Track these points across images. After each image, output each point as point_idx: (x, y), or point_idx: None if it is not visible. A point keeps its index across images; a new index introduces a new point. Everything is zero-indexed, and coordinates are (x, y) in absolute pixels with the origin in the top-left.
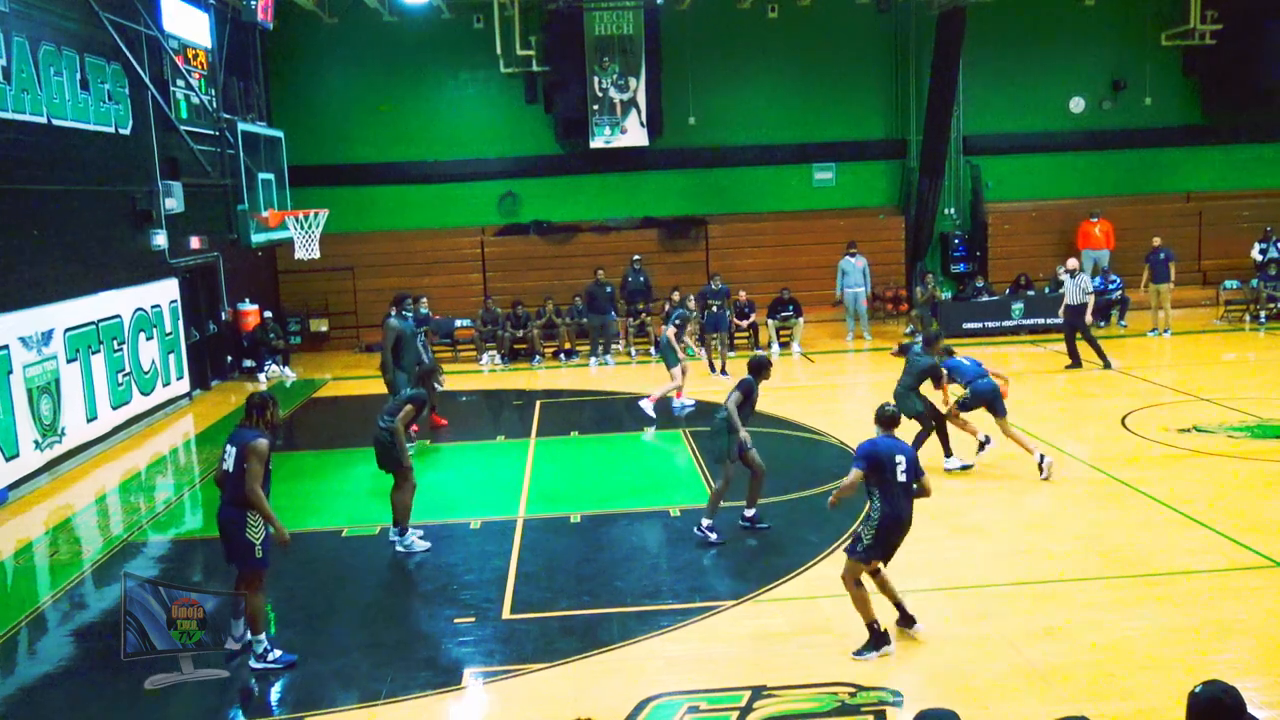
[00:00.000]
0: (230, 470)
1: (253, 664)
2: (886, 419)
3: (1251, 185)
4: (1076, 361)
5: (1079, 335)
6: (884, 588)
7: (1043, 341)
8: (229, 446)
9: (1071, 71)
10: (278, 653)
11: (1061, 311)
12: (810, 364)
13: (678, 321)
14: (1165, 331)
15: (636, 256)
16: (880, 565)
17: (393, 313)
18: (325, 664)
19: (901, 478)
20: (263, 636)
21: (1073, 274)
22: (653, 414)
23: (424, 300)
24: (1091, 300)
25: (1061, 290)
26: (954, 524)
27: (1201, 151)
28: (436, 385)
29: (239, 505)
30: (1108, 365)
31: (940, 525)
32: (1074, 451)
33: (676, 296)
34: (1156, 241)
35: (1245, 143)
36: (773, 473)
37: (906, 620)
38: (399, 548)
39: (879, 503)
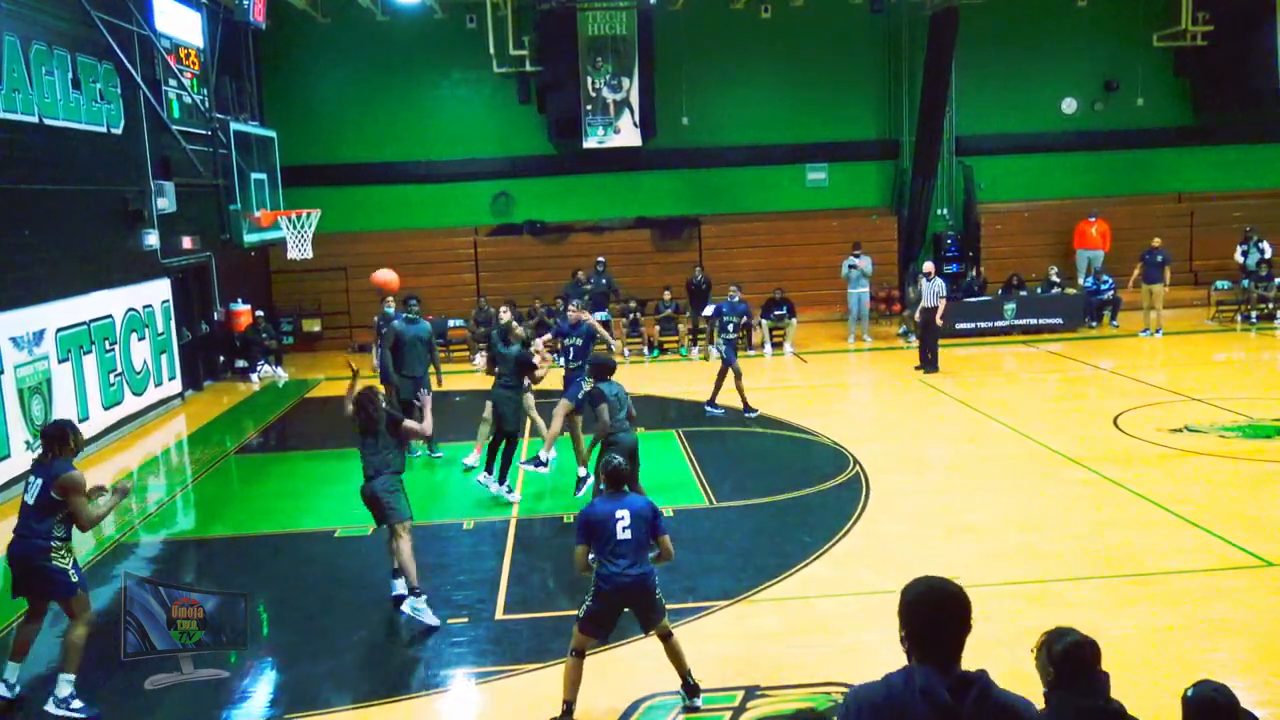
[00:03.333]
0: (32, 503)
1: (50, 708)
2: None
3: (1242, 186)
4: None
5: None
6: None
7: (1035, 342)
8: (34, 478)
9: (1063, 72)
10: (79, 703)
11: (918, 313)
12: (803, 364)
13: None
14: (1157, 332)
15: (600, 258)
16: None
17: (381, 314)
18: (318, 665)
19: (624, 535)
20: (72, 676)
21: (929, 276)
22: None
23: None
24: (943, 304)
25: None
26: (947, 524)
27: (1193, 152)
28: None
29: (44, 538)
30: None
31: (933, 525)
32: (1067, 451)
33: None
34: (1156, 242)
35: (1236, 143)
36: (765, 473)
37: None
38: None
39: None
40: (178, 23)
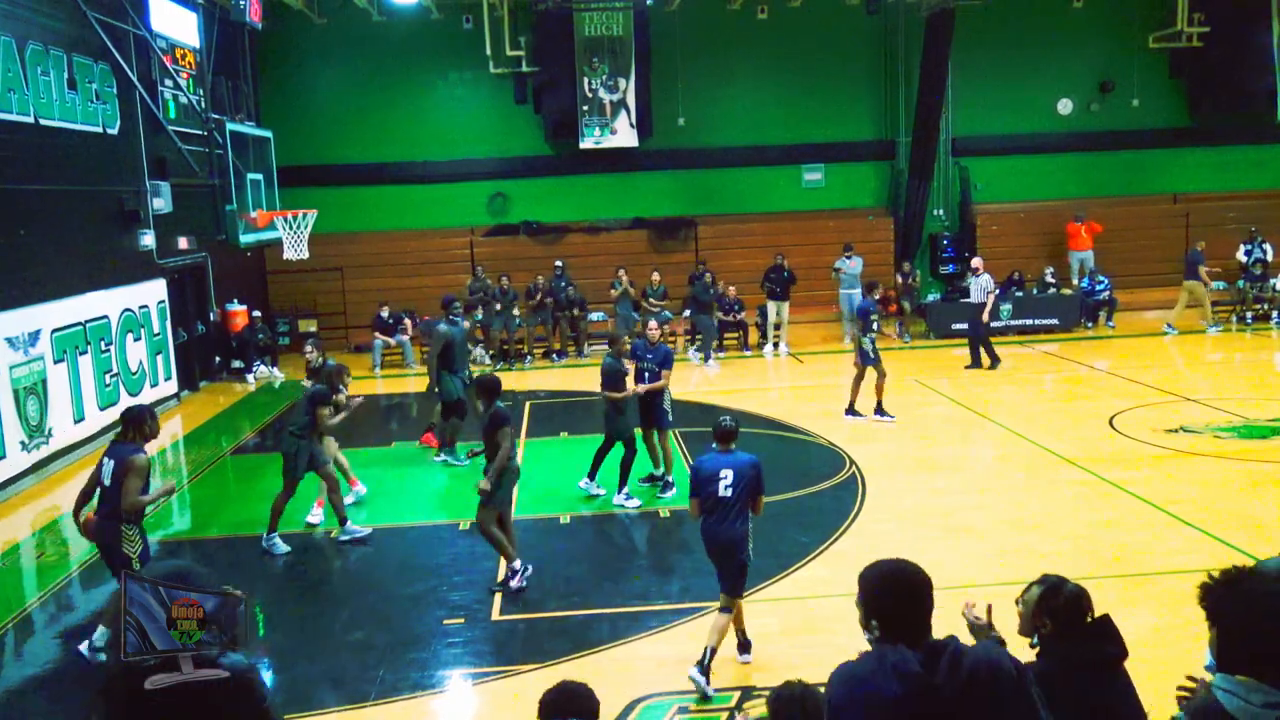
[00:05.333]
0: (107, 484)
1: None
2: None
3: (1238, 187)
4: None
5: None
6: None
7: (1031, 342)
8: (106, 459)
9: (1059, 73)
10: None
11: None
12: (799, 364)
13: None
14: (1170, 328)
15: (559, 263)
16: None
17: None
18: (315, 665)
19: (725, 493)
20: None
21: (976, 273)
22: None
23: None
24: (991, 300)
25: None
26: (944, 524)
27: (1188, 153)
28: (342, 386)
29: (115, 518)
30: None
31: (930, 526)
32: (1063, 452)
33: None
34: (1200, 246)
35: (1232, 144)
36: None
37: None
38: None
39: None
40: (174, 23)
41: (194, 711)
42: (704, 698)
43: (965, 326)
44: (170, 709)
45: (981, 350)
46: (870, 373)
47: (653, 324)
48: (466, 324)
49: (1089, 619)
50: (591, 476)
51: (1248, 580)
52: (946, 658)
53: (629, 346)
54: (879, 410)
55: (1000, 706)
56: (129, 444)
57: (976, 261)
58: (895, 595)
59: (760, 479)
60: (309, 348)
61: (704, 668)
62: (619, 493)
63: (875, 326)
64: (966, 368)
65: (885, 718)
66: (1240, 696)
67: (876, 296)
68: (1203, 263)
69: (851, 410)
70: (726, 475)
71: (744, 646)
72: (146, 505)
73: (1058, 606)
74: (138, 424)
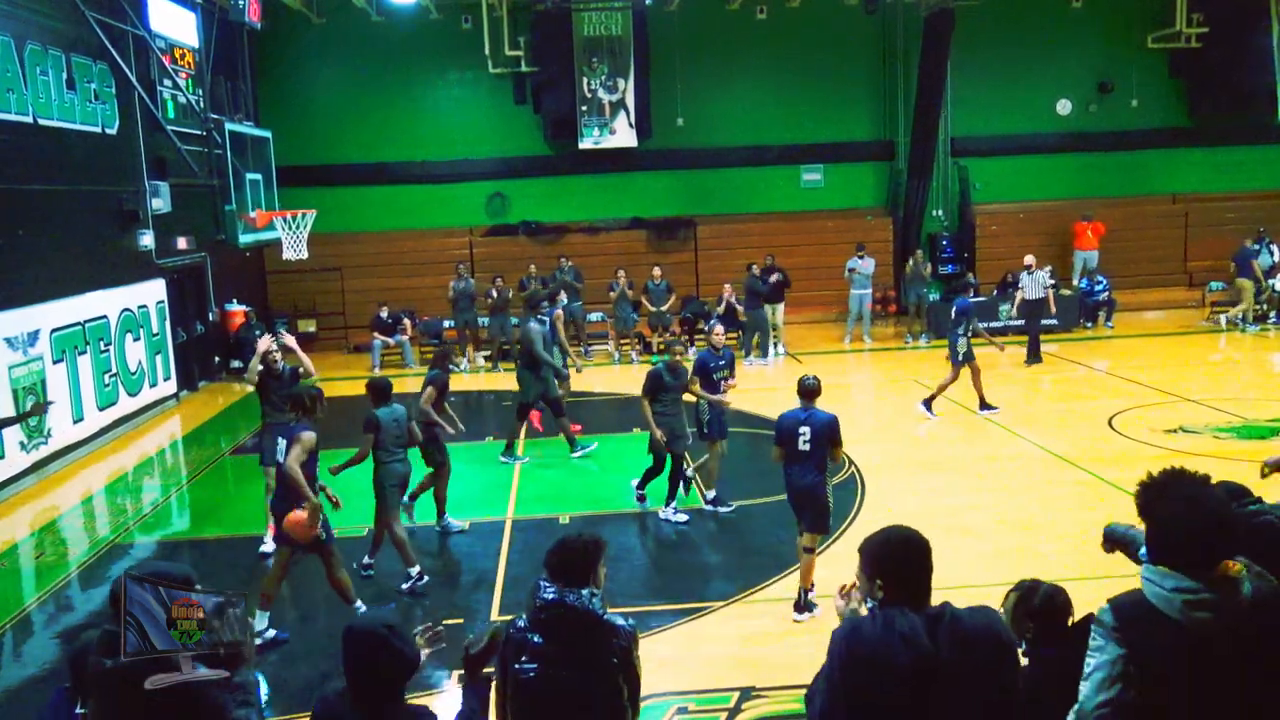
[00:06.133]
0: (282, 461)
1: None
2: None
3: (1237, 187)
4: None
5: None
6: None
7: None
8: (281, 439)
9: (1058, 73)
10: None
11: (1017, 306)
12: (798, 365)
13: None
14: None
15: (566, 261)
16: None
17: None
18: (314, 666)
19: (804, 446)
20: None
21: (1030, 270)
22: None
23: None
24: (1050, 295)
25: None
26: (943, 525)
27: (1187, 153)
28: (453, 366)
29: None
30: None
31: (929, 526)
32: (1062, 452)
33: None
34: (1249, 242)
35: (1231, 145)
36: (758, 474)
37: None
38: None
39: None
40: (173, 23)
41: (194, 711)
42: (805, 607)
43: (1022, 323)
44: (171, 709)
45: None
46: (948, 367)
47: (718, 328)
48: (560, 314)
49: (1071, 618)
50: (662, 495)
51: (1174, 484)
52: (946, 624)
53: (681, 356)
54: (928, 402)
55: (994, 671)
56: (300, 423)
57: (1030, 259)
58: (898, 556)
59: (834, 433)
60: (276, 348)
61: (800, 605)
62: (667, 505)
63: (970, 328)
64: (1026, 363)
65: (889, 683)
66: (1157, 583)
67: (971, 296)
68: (1255, 258)
69: (985, 405)
70: (805, 432)
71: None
72: (302, 487)
73: (1035, 609)
74: (312, 404)
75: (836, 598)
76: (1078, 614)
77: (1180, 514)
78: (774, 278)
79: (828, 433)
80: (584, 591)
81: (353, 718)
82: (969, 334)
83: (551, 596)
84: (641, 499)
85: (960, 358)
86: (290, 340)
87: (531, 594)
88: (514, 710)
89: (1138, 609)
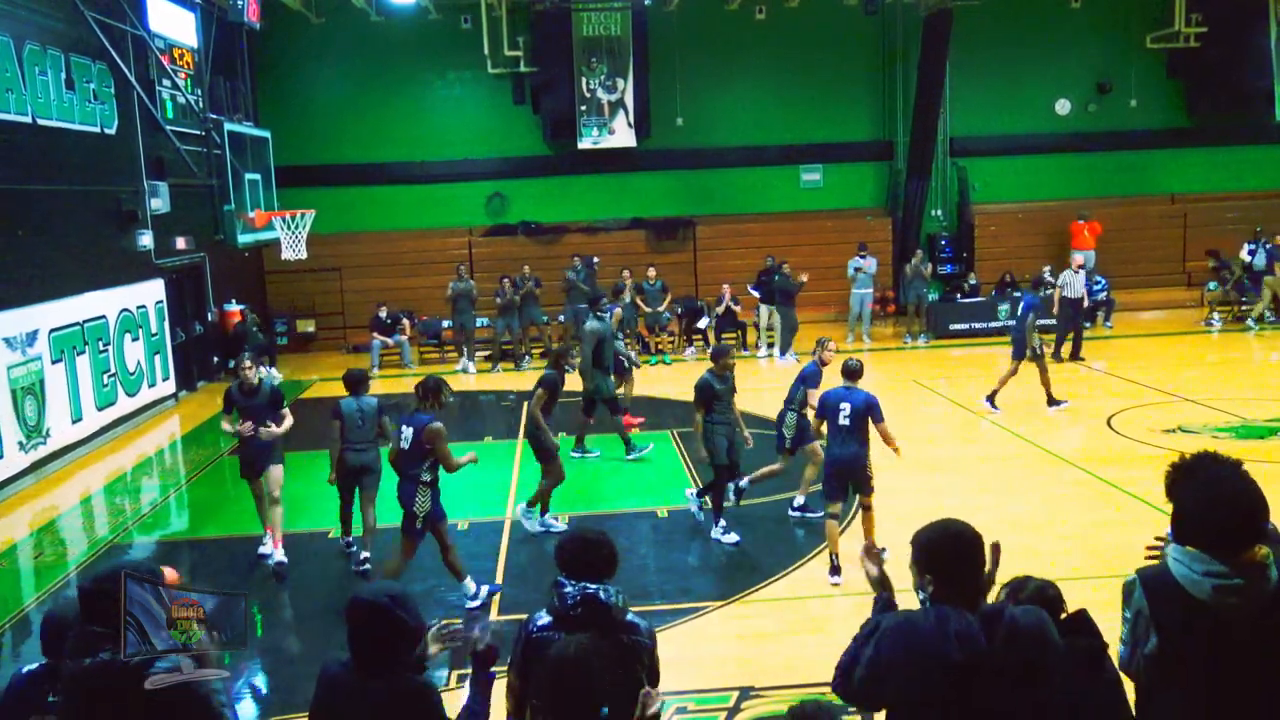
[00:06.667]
0: (404, 449)
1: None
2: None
3: (1235, 187)
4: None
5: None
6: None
7: None
8: (404, 426)
9: (1057, 74)
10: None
11: (1058, 305)
12: (798, 365)
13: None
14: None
15: (576, 258)
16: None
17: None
18: (311, 666)
19: (844, 421)
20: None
21: (1076, 269)
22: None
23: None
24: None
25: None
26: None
27: (1186, 153)
28: (569, 367)
29: (411, 480)
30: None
31: None
32: (1060, 452)
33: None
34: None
35: (1229, 145)
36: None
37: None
38: (529, 523)
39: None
40: (172, 22)
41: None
42: (835, 571)
43: (965, 327)
44: (170, 709)
45: (1066, 342)
46: (1010, 363)
47: (831, 344)
48: (619, 310)
49: (1063, 612)
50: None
51: (1203, 467)
52: (1005, 628)
53: (733, 364)
54: (990, 398)
55: (1046, 676)
56: (425, 413)
57: (1079, 257)
58: (948, 552)
59: (874, 410)
60: (247, 362)
61: (834, 569)
62: (716, 525)
63: (1035, 324)
64: (1070, 358)
65: (939, 678)
66: (1186, 565)
67: (1042, 294)
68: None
69: (1053, 401)
70: (845, 408)
71: (838, 570)
72: (460, 468)
73: (1024, 601)
74: (435, 393)
75: (865, 561)
76: (1075, 613)
77: (1204, 495)
78: (775, 278)
79: (866, 409)
80: (610, 588)
81: (353, 687)
82: (1035, 329)
83: (579, 593)
84: (702, 509)
85: (1026, 353)
86: (275, 430)
87: (555, 591)
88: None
89: (1166, 587)
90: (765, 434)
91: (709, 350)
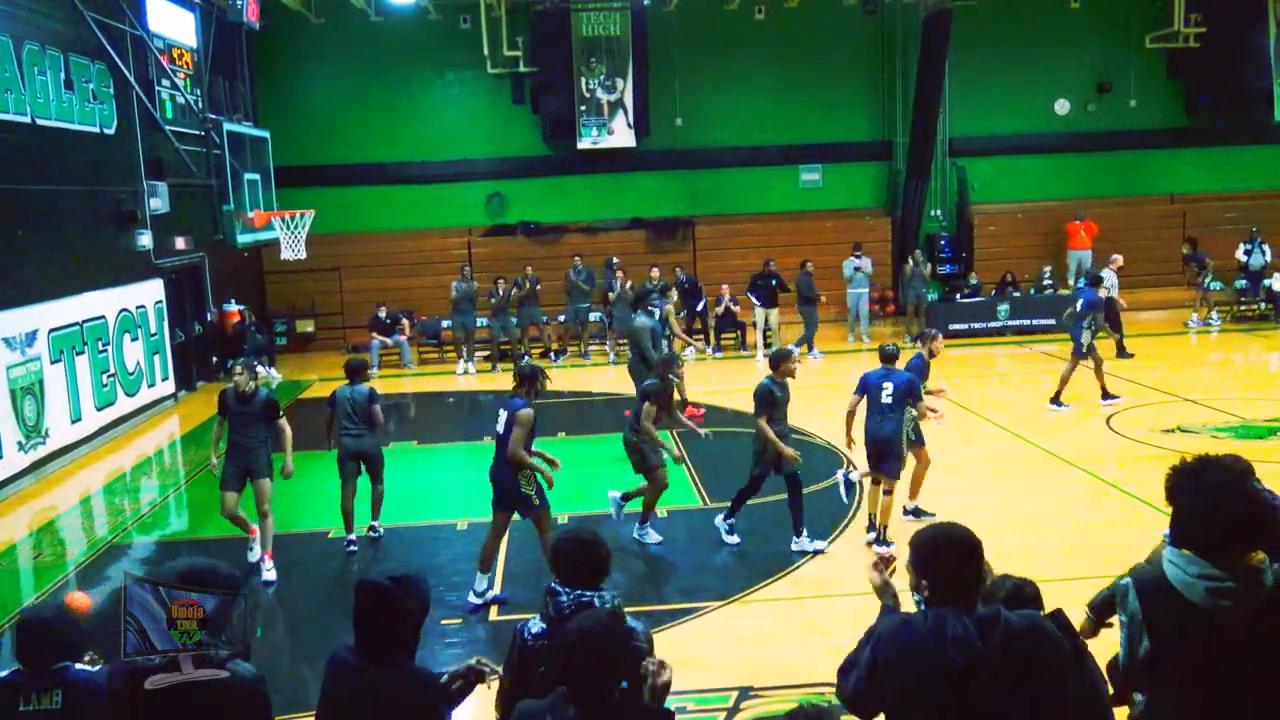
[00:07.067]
0: (501, 432)
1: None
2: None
3: (1235, 188)
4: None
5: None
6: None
7: (1028, 342)
8: (501, 411)
9: (1057, 74)
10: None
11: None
12: (820, 362)
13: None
14: None
15: (576, 258)
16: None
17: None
18: (311, 666)
19: (887, 399)
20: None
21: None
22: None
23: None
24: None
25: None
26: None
27: (1185, 153)
28: (675, 377)
29: (510, 464)
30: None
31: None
32: (1060, 452)
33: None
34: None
35: (1229, 145)
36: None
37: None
38: (636, 535)
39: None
40: (171, 22)
41: (194, 712)
42: (881, 541)
43: (964, 327)
44: (170, 709)
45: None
46: (1065, 361)
47: (939, 337)
48: (670, 308)
49: (1041, 611)
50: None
51: (1205, 472)
52: (1000, 632)
53: (795, 368)
54: (1055, 399)
55: (1042, 679)
56: (520, 398)
57: (1119, 259)
58: (945, 556)
59: (915, 390)
60: (239, 369)
61: (880, 538)
62: (799, 536)
63: (1094, 322)
64: (1118, 356)
65: (936, 682)
66: (1181, 568)
67: (1103, 292)
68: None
69: (1107, 395)
70: (888, 387)
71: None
72: (528, 462)
73: (1003, 599)
74: (531, 380)
75: (870, 570)
76: (1079, 612)
77: (1202, 500)
78: (773, 282)
79: (908, 389)
80: (605, 593)
81: (358, 673)
82: (1093, 328)
83: (573, 600)
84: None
85: (1084, 350)
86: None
87: (549, 598)
88: None
89: (1159, 590)
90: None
91: (708, 349)
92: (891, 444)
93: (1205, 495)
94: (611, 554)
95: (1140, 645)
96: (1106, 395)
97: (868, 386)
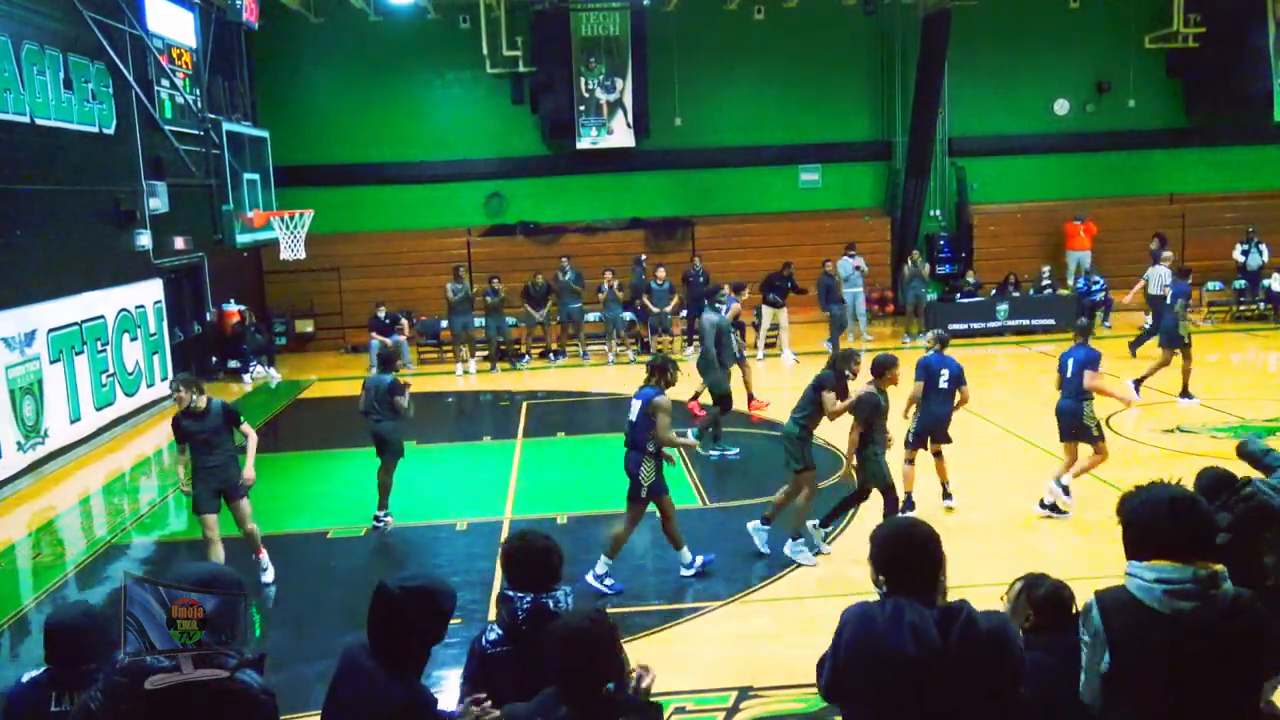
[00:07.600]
0: (634, 420)
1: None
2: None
3: (1234, 187)
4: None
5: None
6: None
7: (1027, 342)
8: (634, 400)
9: (1056, 73)
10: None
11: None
12: (797, 365)
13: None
14: None
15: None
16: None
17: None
18: (310, 666)
19: (944, 385)
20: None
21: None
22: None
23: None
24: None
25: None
26: (940, 525)
27: (1184, 153)
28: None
29: (638, 450)
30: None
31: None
32: (1060, 452)
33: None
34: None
35: (1228, 145)
36: (758, 474)
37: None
38: (787, 551)
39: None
40: (170, 22)
41: (194, 713)
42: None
43: (964, 327)
44: (170, 709)
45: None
46: (1160, 353)
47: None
48: (738, 305)
49: (1072, 611)
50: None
51: (1151, 488)
52: (960, 624)
53: (897, 376)
54: (1184, 393)
55: (999, 674)
56: (653, 388)
57: (1169, 255)
58: (899, 550)
59: (962, 376)
60: (180, 388)
61: (908, 505)
62: (818, 530)
63: (1184, 311)
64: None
65: (894, 673)
66: (1138, 576)
67: (1190, 281)
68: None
69: (1186, 393)
70: (945, 373)
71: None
72: (679, 441)
73: (1039, 598)
74: (662, 371)
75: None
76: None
77: (1148, 506)
78: (789, 284)
79: (961, 374)
80: (558, 593)
81: (360, 672)
82: (1186, 317)
83: (528, 605)
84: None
85: (1176, 341)
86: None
87: (503, 605)
88: None
89: (1120, 604)
90: (767, 434)
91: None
92: (945, 423)
93: (1150, 502)
94: (563, 557)
95: (1101, 661)
96: (1185, 394)
97: (925, 372)
